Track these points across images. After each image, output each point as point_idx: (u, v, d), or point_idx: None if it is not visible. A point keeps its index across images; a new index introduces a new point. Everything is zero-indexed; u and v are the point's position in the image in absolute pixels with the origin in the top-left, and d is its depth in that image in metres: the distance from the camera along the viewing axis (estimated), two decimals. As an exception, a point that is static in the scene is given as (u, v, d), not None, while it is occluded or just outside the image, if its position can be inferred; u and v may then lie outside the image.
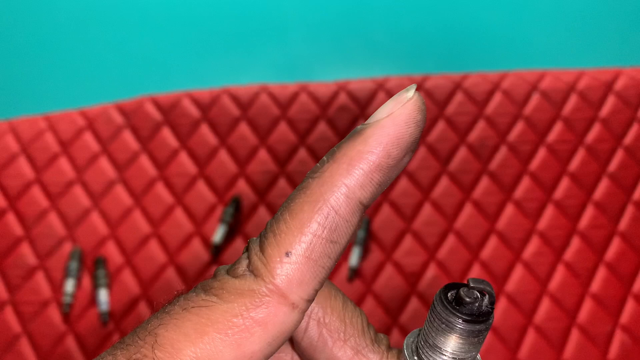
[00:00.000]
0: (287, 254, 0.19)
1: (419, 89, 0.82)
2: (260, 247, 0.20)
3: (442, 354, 0.21)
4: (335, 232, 0.19)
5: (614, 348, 0.69)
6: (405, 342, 0.22)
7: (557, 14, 1.27)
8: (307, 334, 0.23)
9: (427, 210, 0.76)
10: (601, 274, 0.73)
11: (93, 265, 0.72)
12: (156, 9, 1.29)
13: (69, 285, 0.70)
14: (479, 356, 0.22)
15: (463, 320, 0.20)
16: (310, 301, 0.20)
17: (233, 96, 0.82)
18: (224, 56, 1.23)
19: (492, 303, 0.20)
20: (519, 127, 0.80)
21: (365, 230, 0.74)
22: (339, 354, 0.23)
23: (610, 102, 0.82)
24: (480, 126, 0.80)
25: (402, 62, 1.20)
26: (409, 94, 0.20)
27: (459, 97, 0.82)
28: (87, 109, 0.82)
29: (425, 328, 0.21)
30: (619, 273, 0.73)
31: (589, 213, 0.76)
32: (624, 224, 0.75)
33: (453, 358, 0.21)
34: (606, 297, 0.72)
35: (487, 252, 0.73)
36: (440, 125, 0.80)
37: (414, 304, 0.71)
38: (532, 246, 0.74)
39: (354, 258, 0.72)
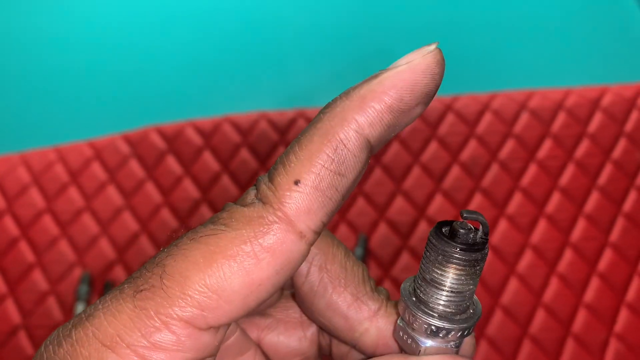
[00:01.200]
0: (295, 183, 0.19)
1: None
2: (269, 177, 0.20)
3: (441, 288, 0.21)
4: (344, 164, 0.19)
5: (609, 356, 0.71)
6: (402, 287, 0.22)
7: (543, 34, 1.31)
8: (309, 279, 0.23)
9: (423, 227, 0.78)
10: (594, 284, 0.75)
11: (102, 289, 0.75)
12: (160, 43, 1.34)
13: (80, 309, 0.73)
14: (475, 297, 0.22)
15: (460, 250, 0.20)
16: (317, 233, 0.20)
17: (234, 123, 0.85)
18: (225, 85, 1.28)
19: (486, 234, 0.21)
20: (510, 145, 0.83)
21: (363, 248, 0.76)
22: (338, 299, 0.23)
23: (597, 118, 0.85)
24: (472, 145, 0.83)
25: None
26: (431, 48, 0.20)
27: (450, 118, 0.85)
28: (95, 140, 0.85)
29: (422, 266, 0.21)
30: (611, 283, 0.75)
31: (580, 226, 0.78)
32: (615, 235, 0.77)
33: (451, 291, 0.21)
34: (600, 307, 0.74)
35: (482, 266, 0.76)
36: (433, 145, 0.83)
37: (412, 318, 0.74)
38: (526, 259, 0.76)
39: None
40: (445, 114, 0.85)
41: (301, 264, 0.20)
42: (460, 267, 0.21)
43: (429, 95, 0.20)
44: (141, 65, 1.31)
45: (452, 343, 0.22)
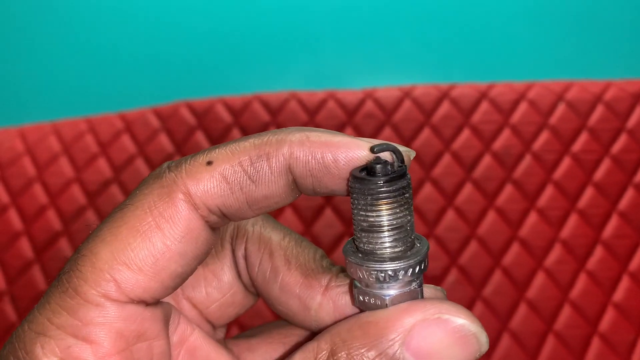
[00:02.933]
0: (208, 163, 0.21)
1: (445, 97, 0.84)
2: (196, 154, 0.22)
3: (381, 230, 0.21)
4: (258, 174, 0.21)
5: (636, 357, 0.69)
6: (343, 250, 0.22)
7: (584, 25, 1.27)
8: (260, 268, 0.24)
9: (450, 216, 0.77)
10: (625, 283, 0.73)
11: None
12: (194, 20, 1.34)
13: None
14: (418, 234, 0.22)
15: (384, 182, 0.20)
16: (214, 215, 0.21)
17: (264, 102, 0.85)
18: (256, 64, 1.27)
19: (402, 160, 0.21)
20: (544, 136, 0.81)
21: None
22: (290, 281, 0.23)
23: (637, 113, 0.82)
24: (505, 135, 0.81)
25: (429, 70, 1.22)
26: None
27: (484, 106, 0.83)
28: (126, 113, 0.86)
29: (355, 218, 0.21)
30: (642, 283, 0.73)
31: (613, 223, 0.76)
32: (649, 234, 0.75)
33: (391, 229, 0.21)
34: (629, 307, 0.72)
35: (508, 258, 0.74)
36: (466, 133, 0.82)
37: (434, 307, 0.73)
38: (555, 254, 0.74)
39: None
40: (480, 102, 0.84)
41: (208, 238, 0.21)
42: (390, 200, 0.21)
43: None
44: (174, 41, 1.31)
45: (414, 284, 0.21)
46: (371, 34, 1.29)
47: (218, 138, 0.82)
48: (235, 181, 0.21)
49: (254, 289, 0.25)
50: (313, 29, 1.30)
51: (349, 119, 0.83)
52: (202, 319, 0.25)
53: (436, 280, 0.73)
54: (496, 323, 0.71)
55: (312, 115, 0.84)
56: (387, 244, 0.21)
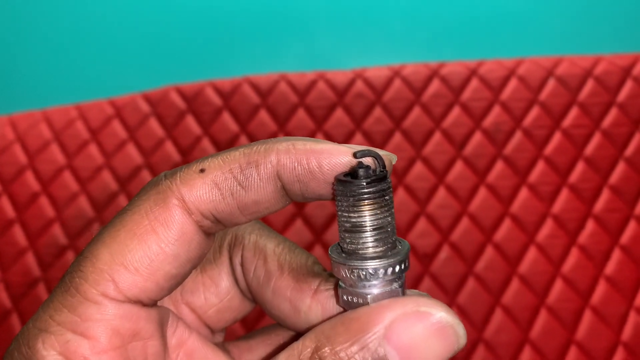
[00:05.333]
0: (201, 170, 0.22)
1: (435, 75, 0.84)
2: (190, 163, 0.23)
3: (363, 230, 0.22)
4: (248, 180, 0.22)
5: (628, 329, 0.69)
6: (329, 252, 0.23)
7: (574, 0, 1.27)
8: (255, 274, 0.25)
9: (441, 193, 0.77)
10: (616, 256, 0.73)
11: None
12: (182, 4, 1.33)
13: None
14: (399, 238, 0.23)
15: (366, 184, 0.22)
16: (208, 219, 0.22)
17: (253, 85, 0.85)
18: (245, 47, 1.27)
19: (384, 166, 0.22)
20: (534, 112, 0.81)
21: None
22: (281, 285, 0.25)
23: (627, 87, 0.82)
24: (495, 111, 0.81)
25: (418, 49, 1.22)
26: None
27: (474, 83, 0.83)
28: (116, 99, 0.86)
29: (339, 220, 0.23)
30: (634, 256, 0.73)
31: (604, 197, 0.76)
32: (640, 207, 0.75)
33: (373, 229, 0.22)
34: (621, 280, 0.72)
35: (500, 234, 0.74)
36: (456, 111, 0.82)
37: (427, 283, 0.73)
38: (546, 229, 0.75)
39: None
40: (469, 79, 0.83)
41: (201, 242, 0.23)
42: (371, 202, 0.22)
43: None
44: (162, 26, 1.31)
45: (395, 284, 0.22)
46: (360, 14, 1.28)
47: (208, 121, 0.82)
48: (226, 187, 0.22)
49: (250, 294, 0.26)
50: (302, 10, 1.30)
51: (339, 100, 0.83)
52: (201, 323, 0.26)
53: (428, 258, 0.74)
54: (488, 298, 0.71)
55: (302, 97, 0.83)
56: (369, 244, 0.22)
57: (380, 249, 0.22)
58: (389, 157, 0.23)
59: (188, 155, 0.81)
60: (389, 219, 0.22)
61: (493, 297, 0.71)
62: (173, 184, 0.22)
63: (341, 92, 0.83)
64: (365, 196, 0.22)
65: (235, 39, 1.28)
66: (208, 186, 0.22)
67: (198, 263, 0.24)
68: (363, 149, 0.22)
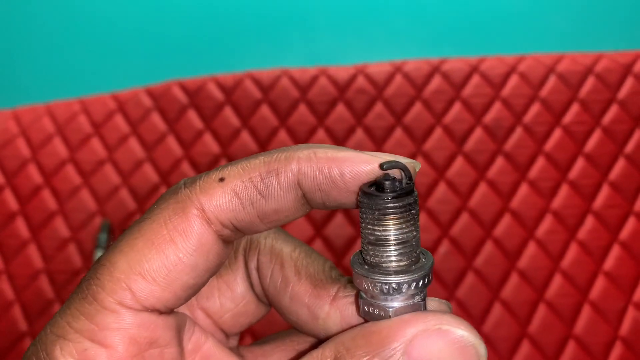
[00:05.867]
0: (220, 179, 0.22)
1: (436, 71, 0.84)
2: (210, 171, 0.23)
3: (387, 244, 0.21)
4: (268, 189, 0.22)
5: (626, 324, 0.70)
6: (351, 262, 0.23)
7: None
8: (272, 280, 0.25)
9: (441, 188, 0.77)
10: (615, 252, 0.73)
11: (122, 238, 0.76)
12: (185, 0, 1.34)
13: (99, 255, 0.74)
14: (423, 249, 0.23)
15: (392, 198, 0.21)
16: (227, 229, 0.22)
17: (255, 80, 0.85)
18: (248, 42, 1.27)
19: (410, 177, 0.22)
20: (535, 108, 0.81)
21: None
22: (299, 290, 0.24)
23: (628, 84, 0.82)
24: (496, 108, 0.82)
25: (420, 45, 1.22)
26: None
27: (475, 79, 0.83)
28: (118, 93, 0.86)
29: (363, 232, 0.22)
30: (633, 251, 0.73)
31: (604, 193, 0.76)
32: (639, 204, 0.75)
33: (397, 243, 0.21)
34: (619, 275, 0.72)
35: (500, 229, 0.75)
36: (457, 107, 0.82)
37: (426, 278, 0.73)
38: (546, 224, 0.75)
39: None
40: (471, 75, 0.84)
41: (219, 252, 0.22)
42: (397, 216, 0.21)
43: None
44: (165, 20, 1.31)
45: (417, 298, 0.22)
46: (362, 9, 1.29)
47: (210, 116, 0.83)
48: (246, 196, 0.22)
49: (266, 299, 0.26)
50: (304, 6, 1.30)
51: (340, 95, 0.83)
52: (216, 328, 0.26)
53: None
54: (487, 293, 0.72)
55: (304, 92, 0.84)
56: (393, 258, 0.21)
57: (404, 263, 0.22)
58: (413, 165, 0.22)
59: (189, 150, 0.81)
60: (415, 232, 0.22)
61: (492, 292, 0.72)
62: (193, 193, 0.22)
63: (342, 88, 0.84)
64: (390, 210, 0.21)
65: (238, 34, 1.29)
66: (228, 195, 0.22)
67: (216, 271, 0.23)
68: (389, 159, 0.21)
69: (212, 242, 0.22)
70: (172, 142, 0.82)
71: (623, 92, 0.82)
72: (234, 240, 0.23)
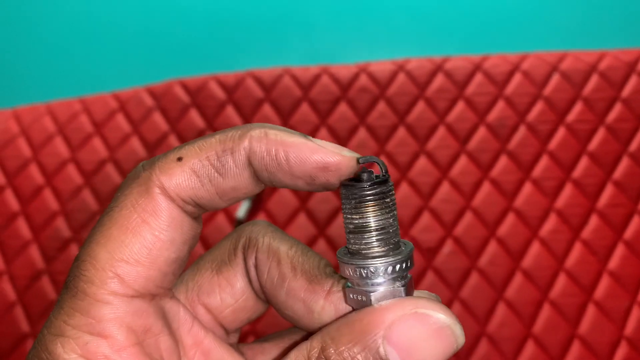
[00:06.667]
0: (178, 159, 0.23)
1: (439, 70, 0.84)
2: (167, 152, 0.23)
3: (366, 230, 0.23)
4: (224, 167, 0.23)
5: (631, 324, 0.69)
6: (337, 252, 0.24)
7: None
8: (269, 275, 0.26)
9: (445, 188, 0.77)
10: (619, 251, 0.73)
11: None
12: (188, -1, 1.33)
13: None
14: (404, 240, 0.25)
15: (368, 186, 0.23)
16: (188, 204, 0.23)
17: (257, 78, 0.85)
18: (249, 41, 1.27)
19: (386, 170, 0.23)
20: (539, 107, 0.81)
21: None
22: (295, 285, 0.25)
23: (632, 82, 0.81)
24: (500, 106, 0.81)
25: (423, 43, 1.21)
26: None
27: (478, 78, 0.83)
28: (120, 92, 0.86)
29: (345, 222, 0.24)
30: (637, 251, 0.73)
31: (608, 192, 0.76)
32: (644, 202, 0.75)
33: (375, 229, 0.23)
34: (624, 275, 0.72)
35: (504, 229, 0.74)
36: (460, 106, 0.82)
37: (430, 278, 0.73)
38: (550, 224, 0.75)
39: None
40: (474, 74, 0.83)
41: (191, 224, 0.23)
42: (373, 203, 0.23)
43: None
44: (167, 19, 1.31)
45: (397, 284, 0.23)
46: (364, 8, 1.28)
47: (212, 115, 0.82)
48: (204, 174, 0.23)
49: (263, 295, 0.27)
50: (306, 4, 1.30)
51: (343, 94, 0.83)
52: (216, 323, 0.27)
53: (432, 252, 0.74)
54: (492, 293, 0.71)
55: (306, 91, 0.83)
56: (371, 244, 0.23)
57: (383, 249, 0.23)
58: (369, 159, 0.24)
59: (192, 149, 0.81)
60: (391, 220, 0.23)
61: (496, 292, 0.71)
62: (153, 174, 0.22)
63: (345, 87, 0.83)
64: (366, 198, 0.23)
65: (239, 33, 1.28)
66: (187, 174, 0.23)
67: (194, 244, 0.24)
68: (337, 151, 0.23)
69: (182, 216, 0.23)
70: (174, 142, 0.81)
71: (627, 90, 0.81)
72: (199, 215, 0.24)
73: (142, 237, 0.22)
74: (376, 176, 0.23)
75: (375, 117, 0.81)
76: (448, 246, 0.74)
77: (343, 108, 0.82)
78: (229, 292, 0.27)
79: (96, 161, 0.80)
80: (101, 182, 0.79)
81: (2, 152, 0.81)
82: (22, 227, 0.76)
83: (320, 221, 0.76)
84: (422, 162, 0.78)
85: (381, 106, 0.82)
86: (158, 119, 0.83)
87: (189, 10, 1.31)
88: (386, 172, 0.23)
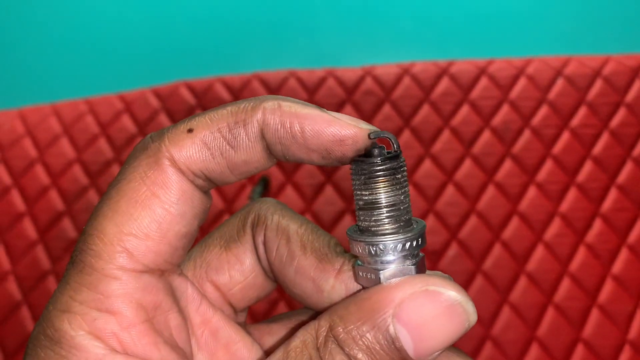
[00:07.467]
0: (189, 130, 0.22)
1: (444, 73, 0.84)
2: (177, 123, 0.22)
3: (376, 207, 0.22)
4: (236, 140, 0.22)
5: (635, 328, 0.70)
6: (347, 230, 0.23)
7: (583, 0, 1.27)
8: (278, 252, 0.25)
9: (449, 191, 0.77)
10: (623, 255, 0.73)
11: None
12: (192, 0, 1.33)
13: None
14: (416, 219, 0.24)
15: (380, 161, 0.22)
16: (198, 178, 0.22)
17: (263, 81, 0.85)
18: (255, 44, 1.27)
19: (398, 146, 0.23)
20: (543, 111, 0.81)
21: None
22: (305, 263, 0.24)
23: (636, 87, 0.82)
24: (504, 110, 0.81)
25: (428, 47, 1.22)
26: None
27: (483, 81, 0.83)
28: (126, 93, 0.86)
29: (355, 198, 0.23)
30: (641, 255, 0.73)
31: (612, 196, 0.76)
32: (647, 207, 0.75)
33: (386, 206, 0.22)
34: (628, 279, 0.72)
35: (508, 232, 0.75)
36: (465, 109, 0.82)
37: (435, 280, 0.73)
38: (554, 227, 0.75)
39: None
40: (479, 78, 0.84)
41: (202, 198, 0.23)
42: (383, 179, 0.22)
43: None
44: (173, 21, 1.31)
45: (407, 262, 0.22)
46: (369, 11, 1.29)
47: (218, 117, 0.83)
48: (216, 147, 0.22)
49: (271, 273, 0.26)
50: (311, 7, 1.30)
51: (348, 97, 0.83)
52: (225, 302, 0.26)
53: (437, 255, 0.74)
54: (496, 296, 0.72)
55: (312, 94, 0.84)
56: (382, 221, 0.22)
57: (393, 226, 0.22)
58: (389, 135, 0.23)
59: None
60: (402, 197, 0.22)
61: (500, 295, 0.72)
62: (162, 145, 0.22)
63: (350, 89, 0.84)
64: (377, 173, 0.22)
65: (245, 35, 1.28)
66: (197, 146, 0.22)
67: (204, 218, 0.23)
68: (354, 124, 0.22)
69: (192, 189, 0.22)
70: (179, 143, 0.82)
71: (631, 95, 0.82)
72: (209, 190, 0.23)
73: (152, 210, 0.21)
74: (388, 152, 0.22)
75: (381, 120, 0.82)
76: (453, 249, 0.74)
77: (348, 111, 0.82)
78: (238, 269, 0.26)
79: (102, 162, 0.81)
80: (107, 183, 0.79)
81: (8, 152, 0.81)
82: (28, 228, 0.77)
83: (326, 223, 0.76)
84: (427, 165, 0.79)
85: (386, 109, 0.82)
86: (164, 120, 0.83)
87: (196, 12, 1.31)
88: (398, 147, 0.23)
